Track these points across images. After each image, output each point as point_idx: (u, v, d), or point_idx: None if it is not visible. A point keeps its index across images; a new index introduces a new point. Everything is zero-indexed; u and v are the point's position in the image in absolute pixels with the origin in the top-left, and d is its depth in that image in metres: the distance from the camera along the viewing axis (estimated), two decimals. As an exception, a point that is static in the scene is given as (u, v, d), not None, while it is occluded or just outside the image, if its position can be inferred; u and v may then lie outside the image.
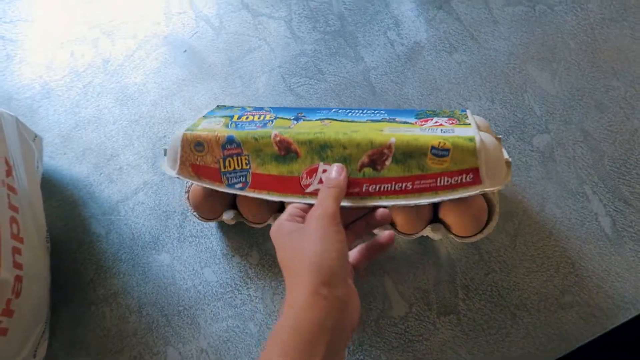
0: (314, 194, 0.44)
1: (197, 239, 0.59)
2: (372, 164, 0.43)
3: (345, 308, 0.33)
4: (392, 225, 0.51)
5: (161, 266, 0.58)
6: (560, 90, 0.59)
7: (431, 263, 0.53)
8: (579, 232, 0.52)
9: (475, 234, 0.50)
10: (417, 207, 0.50)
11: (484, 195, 0.51)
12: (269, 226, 0.54)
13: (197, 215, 0.56)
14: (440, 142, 0.42)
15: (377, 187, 0.43)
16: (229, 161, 0.47)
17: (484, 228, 0.50)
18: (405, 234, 0.51)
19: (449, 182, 0.42)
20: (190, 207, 0.56)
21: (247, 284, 0.56)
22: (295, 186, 0.45)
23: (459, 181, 0.42)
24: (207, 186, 0.49)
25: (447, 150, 0.42)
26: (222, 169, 0.48)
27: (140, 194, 0.63)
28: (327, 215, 0.36)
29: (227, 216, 0.54)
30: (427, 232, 0.50)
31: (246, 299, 0.55)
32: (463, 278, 0.52)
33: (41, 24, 0.77)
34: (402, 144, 0.43)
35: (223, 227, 0.59)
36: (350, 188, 0.43)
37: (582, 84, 0.59)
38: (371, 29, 0.67)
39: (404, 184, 0.43)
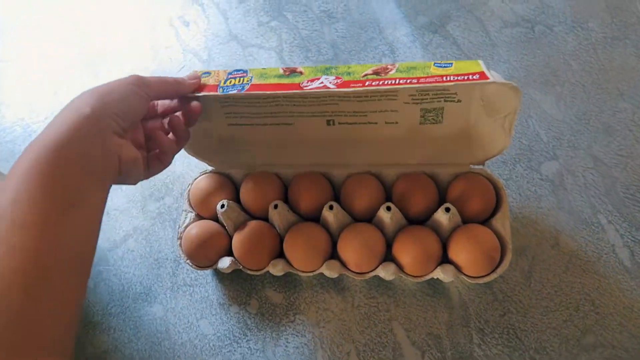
0: (311, 89, 0.42)
1: (192, 288, 0.56)
2: (375, 74, 0.42)
3: (103, 144, 0.33)
4: (400, 267, 0.48)
5: (154, 319, 0.55)
6: (566, 114, 0.56)
7: (442, 306, 0.50)
8: (596, 265, 0.49)
9: (488, 274, 0.47)
10: (426, 247, 0.47)
11: (495, 232, 0.48)
12: (268, 274, 0.51)
13: (190, 264, 0.53)
14: (442, 61, 0.43)
15: (381, 82, 0.41)
16: (230, 80, 0.45)
17: (497, 267, 0.47)
18: (414, 276, 0.48)
19: (455, 79, 0.40)
20: (183, 255, 0.52)
21: (247, 336, 0.52)
22: (293, 87, 0.43)
23: (465, 78, 0.40)
24: (200, 95, 0.44)
25: (450, 63, 0.42)
26: (221, 85, 0.45)
27: (130, 240, 0.60)
28: (137, 77, 0.38)
29: (223, 264, 0.51)
30: (437, 273, 0.47)
31: (246, 353, 0.51)
32: (477, 321, 0.49)
33: (19, 63, 0.74)
34: (404, 64, 0.43)
35: (219, 274, 0.55)
36: (352, 85, 0.42)
37: (588, 107, 0.56)
38: (365, 56, 0.65)
39: (408, 80, 0.41)
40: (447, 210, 0.47)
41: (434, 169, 0.51)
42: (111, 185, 0.35)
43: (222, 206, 0.51)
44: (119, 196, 0.63)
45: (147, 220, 0.61)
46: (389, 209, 0.48)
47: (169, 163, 0.42)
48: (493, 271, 0.47)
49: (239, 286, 0.55)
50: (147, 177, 0.41)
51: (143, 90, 0.37)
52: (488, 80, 0.39)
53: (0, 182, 0.33)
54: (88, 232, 0.33)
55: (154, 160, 0.41)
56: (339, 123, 0.53)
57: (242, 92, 0.43)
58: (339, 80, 0.42)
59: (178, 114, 0.44)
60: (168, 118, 0.43)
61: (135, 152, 0.36)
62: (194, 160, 0.55)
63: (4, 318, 0.27)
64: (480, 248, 0.46)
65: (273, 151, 0.56)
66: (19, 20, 0.79)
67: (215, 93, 0.44)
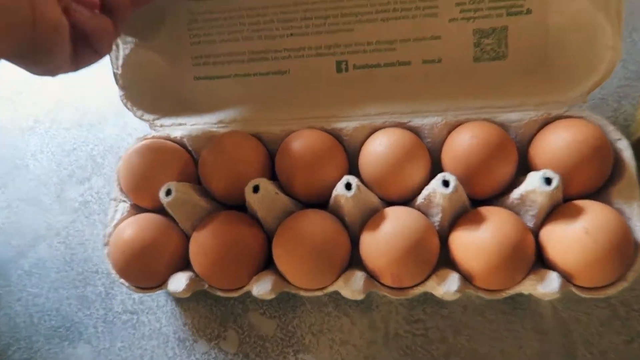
0: None
1: (136, 317, 0.36)
2: None
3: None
4: (465, 276, 0.29)
5: (80, 367, 0.36)
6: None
7: (529, 329, 0.32)
8: None
9: (613, 283, 0.28)
10: (511, 243, 0.28)
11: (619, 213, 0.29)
12: (249, 294, 0.32)
13: (125, 284, 0.33)
14: None
15: None
16: None
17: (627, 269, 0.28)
18: (490, 290, 0.29)
19: None
20: (113, 271, 0.33)
21: (224, 388, 0.33)
22: None
23: None
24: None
25: None
26: None
27: (42, 246, 0.40)
28: None
29: (176, 286, 0.31)
30: (527, 286, 0.29)
31: (224, 417, 0.33)
32: (587, 351, 0.31)
33: None
34: None
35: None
36: None
37: None
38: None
39: None
40: (548, 181, 0.28)
41: (505, 115, 0.32)
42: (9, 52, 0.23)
43: (168, 192, 0.31)
44: (24, 178, 0.42)
45: (67, 214, 0.41)
46: (446, 183, 0.28)
47: (106, 52, 0.29)
48: (622, 279, 0.28)
49: (208, 311, 0.35)
50: (74, 69, 0.28)
51: None
52: None
53: None
54: None
55: (86, 47, 0.28)
56: (355, 67, 0.35)
57: None
58: None
59: None
60: None
61: (59, 13, 0.25)
62: (132, 121, 0.36)
63: None
64: (604, 240, 0.27)
65: (255, 111, 0.37)
66: None
67: None
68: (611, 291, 0.28)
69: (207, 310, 0.36)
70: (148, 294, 0.35)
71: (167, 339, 0.35)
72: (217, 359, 0.34)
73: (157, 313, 0.36)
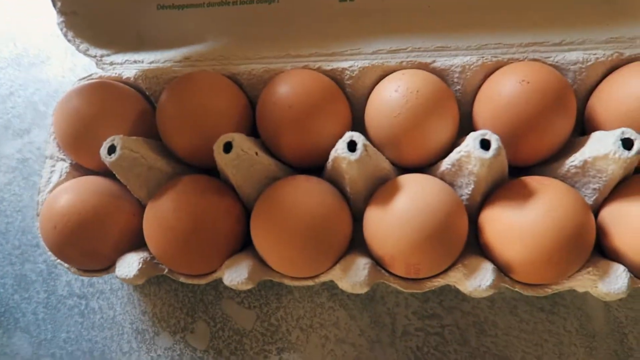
0: None
1: (85, 302, 0.30)
2: None
3: None
4: (502, 267, 0.22)
5: (16, 361, 0.29)
6: None
7: (574, 331, 0.25)
8: None
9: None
10: (566, 225, 0.21)
11: None
12: (219, 282, 0.25)
13: (63, 265, 0.26)
14: None
15: None
16: None
17: None
18: (534, 285, 0.23)
19: None
20: (48, 250, 0.26)
21: (191, 392, 0.27)
22: None
23: None
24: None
25: None
26: None
27: (-29, 212, 0.32)
28: None
29: (126, 271, 0.24)
30: (583, 282, 0.22)
31: None
32: (645, 360, 0.25)
33: None
34: None
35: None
36: None
37: None
38: None
39: None
40: (627, 144, 0.20)
41: (562, 55, 0.24)
42: None
43: (112, 149, 0.24)
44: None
45: (1, 173, 0.33)
46: (486, 144, 0.21)
47: None
48: None
49: (173, 297, 0.29)
50: None
51: None
52: None
53: None
54: None
55: None
56: None
57: None
58: None
59: None
60: None
61: None
62: (83, 61, 0.30)
63: None
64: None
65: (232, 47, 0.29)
66: None
67: None
68: (692, 290, 0.22)
69: (171, 296, 0.29)
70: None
71: (122, 330, 0.29)
72: (183, 356, 0.28)
73: (111, 298, 0.29)
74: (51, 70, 0.35)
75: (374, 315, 0.27)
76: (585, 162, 0.22)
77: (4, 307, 0.30)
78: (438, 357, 0.26)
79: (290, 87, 0.24)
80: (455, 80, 0.25)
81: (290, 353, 0.27)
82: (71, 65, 0.35)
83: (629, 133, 0.20)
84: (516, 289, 0.23)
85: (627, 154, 0.20)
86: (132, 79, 0.28)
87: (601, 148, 0.21)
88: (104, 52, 0.29)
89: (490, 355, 0.25)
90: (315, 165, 0.26)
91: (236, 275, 0.23)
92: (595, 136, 0.22)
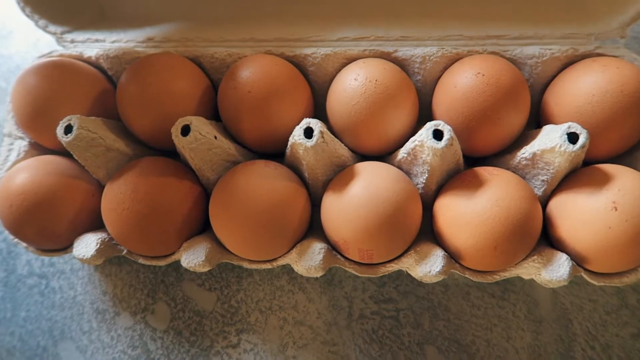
0: None
1: (45, 282, 0.30)
2: None
3: None
4: (453, 254, 0.23)
5: (-26, 340, 0.29)
6: None
7: (522, 317, 0.26)
8: None
9: (634, 269, 0.23)
10: (514, 215, 0.21)
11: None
12: (180, 264, 0.25)
13: (21, 244, 0.26)
14: None
15: None
16: None
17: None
18: (482, 272, 0.23)
19: None
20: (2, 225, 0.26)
21: (151, 371, 0.27)
22: None
23: None
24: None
25: None
26: None
27: None
28: None
29: (83, 251, 0.24)
30: (528, 270, 0.23)
31: (149, 405, 0.27)
32: (588, 345, 0.26)
33: None
34: None
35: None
36: None
37: None
38: None
39: None
40: (573, 138, 0.21)
41: (519, 49, 0.25)
42: None
43: (68, 129, 0.23)
44: None
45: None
46: (438, 134, 0.21)
47: None
48: (645, 264, 0.22)
49: (134, 278, 0.29)
50: None
51: None
52: None
53: None
54: None
55: None
56: None
57: None
58: None
59: None
60: None
61: None
62: (47, 36, 0.28)
63: None
64: (637, 219, 0.21)
65: (195, 29, 0.28)
66: None
67: None
68: (630, 279, 0.23)
69: (132, 277, 0.29)
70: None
71: (83, 310, 0.29)
72: (144, 336, 0.28)
73: (71, 278, 0.29)
74: (13, 46, 0.34)
75: (332, 298, 0.28)
76: (535, 154, 0.22)
77: (-38, 285, 0.30)
78: (392, 340, 0.27)
79: (250, 72, 0.24)
80: (416, 70, 0.25)
81: (249, 334, 0.27)
82: (35, 40, 0.34)
83: (575, 127, 0.21)
84: (466, 275, 0.24)
85: (572, 147, 0.21)
86: (93, 57, 0.27)
87: (549, 141, 0.21)
88: (64, 28, 0.28)
89: (442, 338, 0.26)
90: (276, 151, 0.26)
91: (194, 257, 0.24)
92: (546, 129, 0.22)
